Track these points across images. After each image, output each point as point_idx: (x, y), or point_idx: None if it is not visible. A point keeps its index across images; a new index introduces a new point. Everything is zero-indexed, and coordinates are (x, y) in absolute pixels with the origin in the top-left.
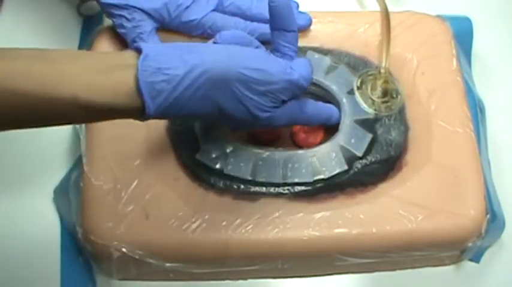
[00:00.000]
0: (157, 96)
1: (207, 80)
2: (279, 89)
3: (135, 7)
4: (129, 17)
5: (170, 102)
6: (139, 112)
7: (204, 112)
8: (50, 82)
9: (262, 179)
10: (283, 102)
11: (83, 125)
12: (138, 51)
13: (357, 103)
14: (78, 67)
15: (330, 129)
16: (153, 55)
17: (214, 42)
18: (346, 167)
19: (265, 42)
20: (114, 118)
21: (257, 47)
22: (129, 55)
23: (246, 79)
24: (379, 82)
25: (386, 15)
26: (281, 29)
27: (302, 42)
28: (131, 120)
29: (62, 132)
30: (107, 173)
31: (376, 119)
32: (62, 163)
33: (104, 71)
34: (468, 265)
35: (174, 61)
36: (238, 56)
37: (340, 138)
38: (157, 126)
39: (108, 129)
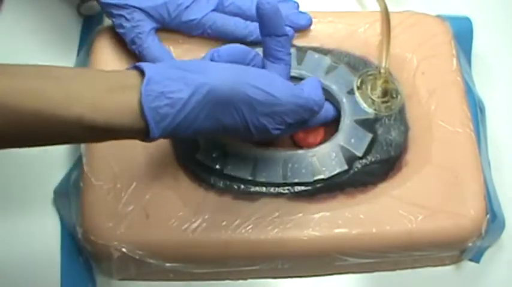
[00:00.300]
0: (162, 121)
1: (210, 101)
2: (285, 112)
3: (134, 7)
4: (128, 16)
5: (175, 125)
6: (143, 133)
7: (209, 130)
8: (55, 101)
9: (262, 179)
10: (290, 125)
11: None
12: (141, 71)
13: (357, 103)
14: (82, 87)
15: (330, 129)
16: (156, 78)
17: (212, 59)
18: (346, 167)
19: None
20: (117, 139)
21: (255, 56)
22: (132, 75)
23: (251, 101)
24: (379, 82)
25: (386, 15)
26: (273, 35)
27: (302, 42)
28: None
29: None
30: (107, 173)
31: (376, 119)
32: (62, 163)
33: (108, 91)
34: (468, 265)
35: (178, 83)
36: (244, 77)
37: (340, 138)
38: None
39: None
